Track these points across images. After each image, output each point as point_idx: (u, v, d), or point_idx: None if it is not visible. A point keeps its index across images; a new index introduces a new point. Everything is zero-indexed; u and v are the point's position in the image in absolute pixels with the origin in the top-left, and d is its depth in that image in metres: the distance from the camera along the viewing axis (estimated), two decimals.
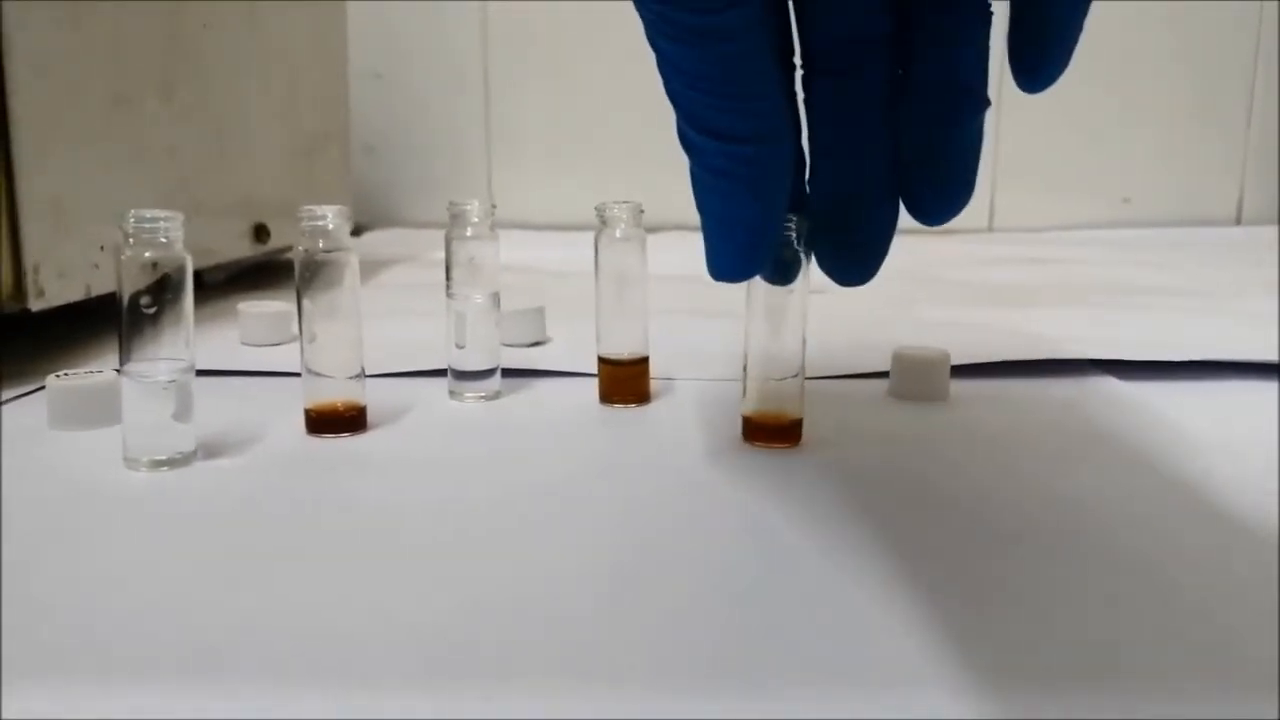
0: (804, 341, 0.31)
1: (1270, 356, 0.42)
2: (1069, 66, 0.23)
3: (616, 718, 0.18)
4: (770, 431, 0.32)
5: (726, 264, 0.26)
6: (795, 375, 0.31)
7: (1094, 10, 0.22)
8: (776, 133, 0.24)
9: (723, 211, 0.25)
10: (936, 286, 0.65)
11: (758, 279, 0.29)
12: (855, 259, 0.27)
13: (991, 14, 0.24)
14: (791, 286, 0.30)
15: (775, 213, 0.25)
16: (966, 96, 0.25)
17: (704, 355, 0.43)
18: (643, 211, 0.37)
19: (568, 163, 1.00)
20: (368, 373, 0.35)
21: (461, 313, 0.38)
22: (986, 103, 0.25)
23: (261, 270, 0.68)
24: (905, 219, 0.27)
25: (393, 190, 1.02)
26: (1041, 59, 0.23)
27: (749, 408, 0.32)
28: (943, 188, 0.25)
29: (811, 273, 0.29)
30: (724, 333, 0.46)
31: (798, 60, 0.26)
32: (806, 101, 0.26)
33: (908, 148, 0.25)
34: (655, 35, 0.23)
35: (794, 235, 0.28)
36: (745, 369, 0.32)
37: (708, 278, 0.27)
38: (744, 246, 0.25)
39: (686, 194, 0.25)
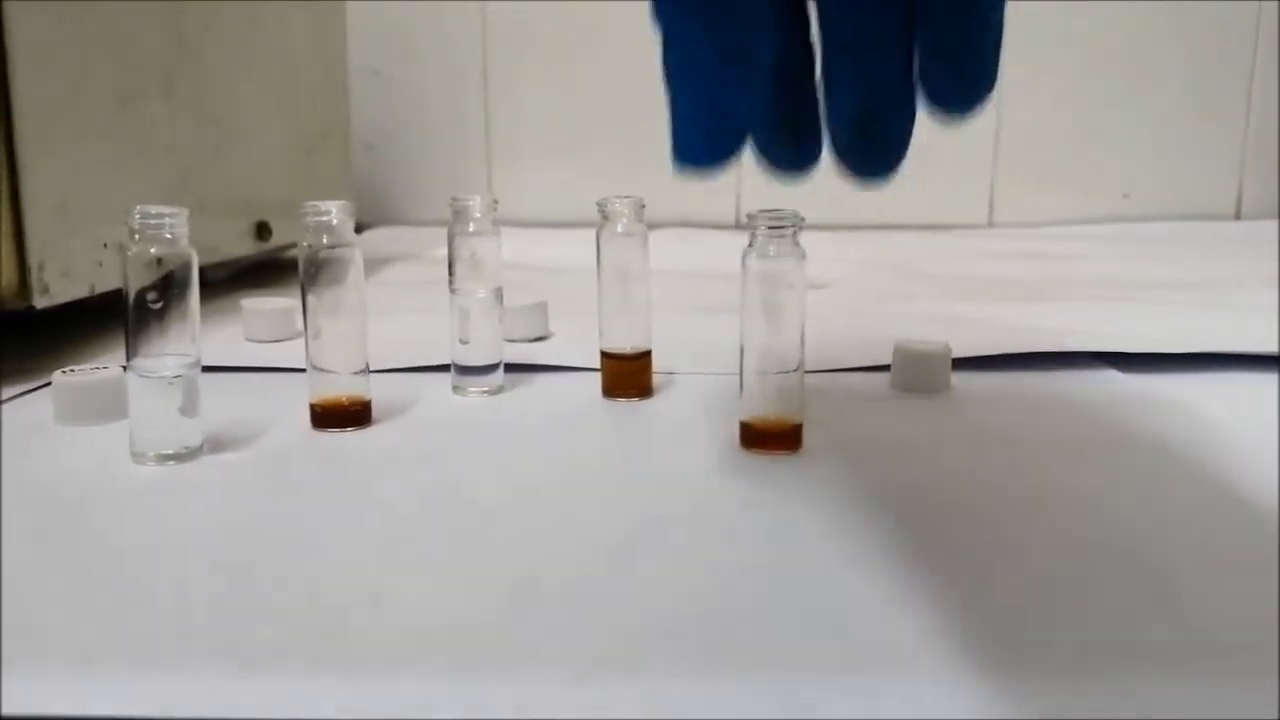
0: (803, 340, 0.30)
1: (1270, 349, 0.42)
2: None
3: (616, 716, 0.18)
4: (770, 437, 0.31)
5: (690, 144, 0.23)
6: (796, 369, 0.31)
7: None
8: None
9: (692, 77, 0.22)
10: (937, 281, 0.65)
11: (749, 277, 0.28)
12: (878, 153, 0.26)
13: None
14: (789, 281, 0.29)
15: (757, 77, 0.23)
16: None
17: (705, 350, 0.44)
18: (644, 206, 0.37)
19: (567, 161, 1.01)
20: (372, 368, 0.35)
21: (464, 308, 0.38)
22: None
23: (263, 268, 0.68)
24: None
25: (393, 188, 1.02)
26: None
27: (747, 413, 0.31)
28: (965, 78, 0.25)
29: (806, 269, 0.29)
30: (725, 328, 0.46)
31: None
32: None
33: (928, 38, 0.24)
34: None
35: (790, 229, 0.27)
36: (741, 368, 0.31)
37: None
38: (714, 121, 0.23)
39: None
